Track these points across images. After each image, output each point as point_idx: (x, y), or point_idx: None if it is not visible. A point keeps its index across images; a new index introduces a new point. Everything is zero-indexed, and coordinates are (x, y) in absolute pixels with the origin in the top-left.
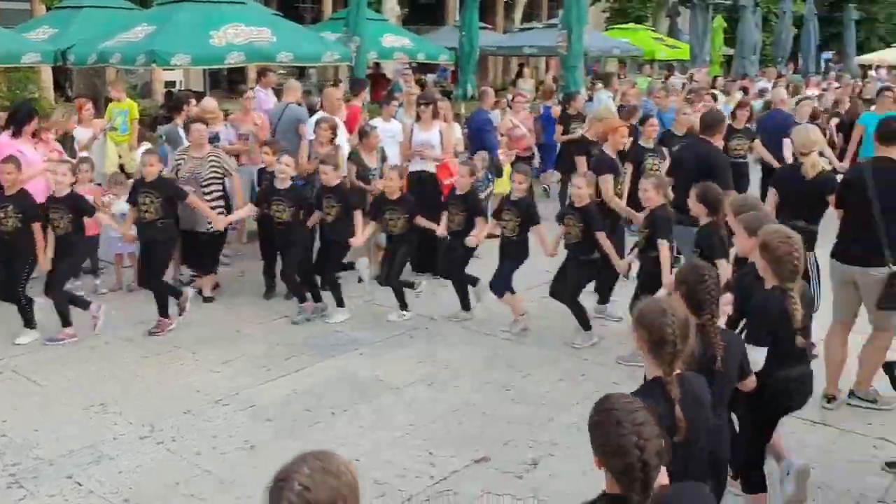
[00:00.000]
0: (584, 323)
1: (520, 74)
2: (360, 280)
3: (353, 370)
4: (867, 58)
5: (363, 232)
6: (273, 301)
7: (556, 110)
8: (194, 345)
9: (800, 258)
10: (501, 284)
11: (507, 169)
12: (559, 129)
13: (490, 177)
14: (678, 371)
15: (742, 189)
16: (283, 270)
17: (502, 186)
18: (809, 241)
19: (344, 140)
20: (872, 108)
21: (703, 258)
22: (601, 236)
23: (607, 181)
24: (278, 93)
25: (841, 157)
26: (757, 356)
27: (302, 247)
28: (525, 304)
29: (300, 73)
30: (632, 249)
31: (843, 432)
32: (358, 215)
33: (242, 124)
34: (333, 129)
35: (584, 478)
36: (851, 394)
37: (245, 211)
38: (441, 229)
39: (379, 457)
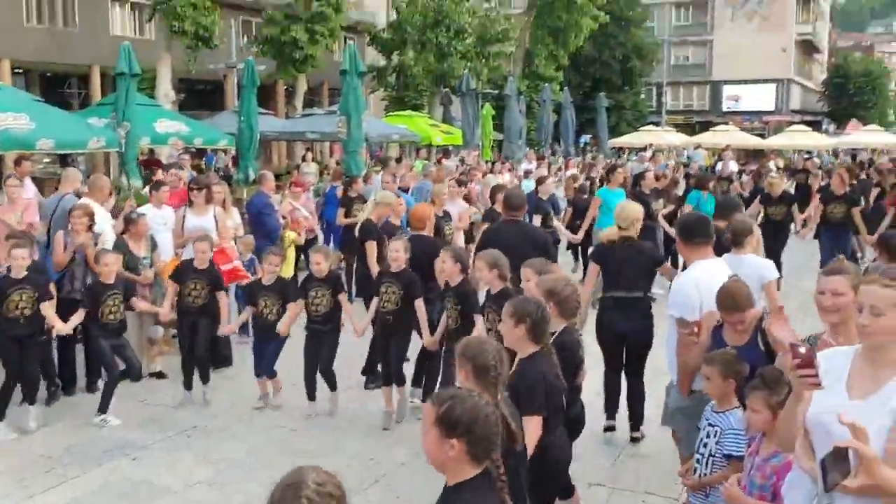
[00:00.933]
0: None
1: (304, 159)
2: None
3: (124, 477)
4: (617, 140)
5: (54, 319)
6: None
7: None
8: None
9: (580, 297)
10: (271, 366)
11: (290, 253)
12: (341, 211)
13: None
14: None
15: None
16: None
17: (286, 270)
18: (645, 310)
19: (108, 228)
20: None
21: (462, 313)
22: (342, 298)
23: (371, 247)
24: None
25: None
26: None
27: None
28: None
29: (62, 160)
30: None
31: (614, 490)
32: (46, 307)
33: (10, 213)
34: (90, 215)
35: None
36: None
37: None
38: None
39: None
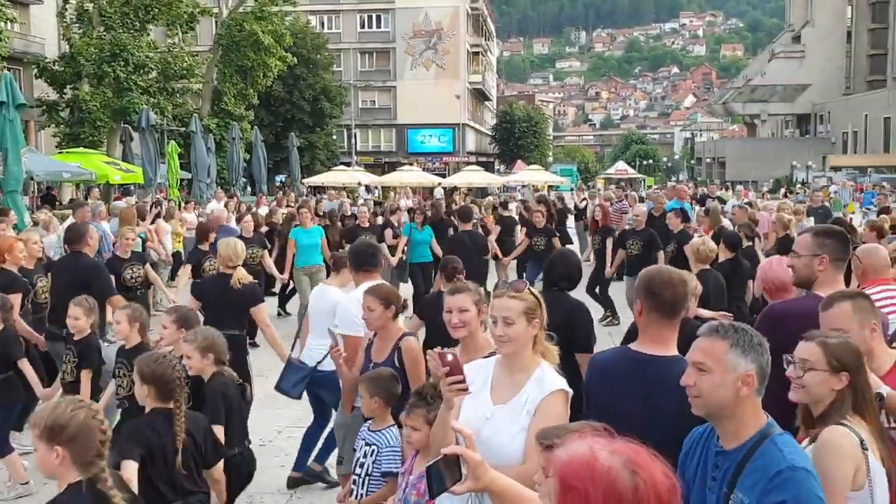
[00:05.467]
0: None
1: None
2: None
3: None
4: (311, 179)
5: None
6: None
7: None
8: None
9: (181, 373)
10: (2, 442)
11: None
12: None
13: None
14: None
15: None
16: None
17: None
18: (242, 348)
19: None
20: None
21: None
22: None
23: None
24: None
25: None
26: None
27: None
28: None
29: None
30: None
31: None
32: None
33: None
34: None
35: None
36: None
37: None
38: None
39: None
